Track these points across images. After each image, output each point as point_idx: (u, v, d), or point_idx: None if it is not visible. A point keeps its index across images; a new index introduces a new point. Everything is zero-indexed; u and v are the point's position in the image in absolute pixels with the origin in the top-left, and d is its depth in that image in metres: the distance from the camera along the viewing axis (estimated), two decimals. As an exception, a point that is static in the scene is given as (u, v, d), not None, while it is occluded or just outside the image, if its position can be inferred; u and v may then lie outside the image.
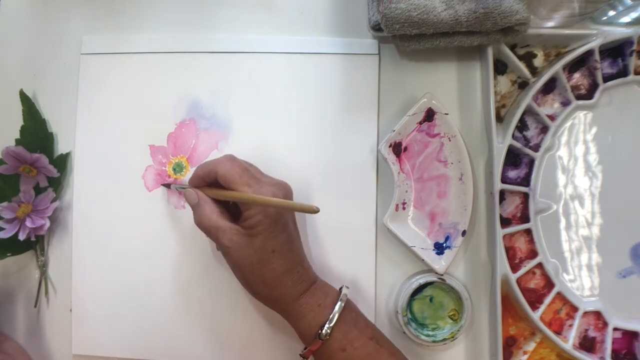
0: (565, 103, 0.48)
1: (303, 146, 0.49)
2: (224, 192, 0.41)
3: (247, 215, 0.40)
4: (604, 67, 0.48)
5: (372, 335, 0.41)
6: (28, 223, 0.47)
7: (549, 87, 0.48)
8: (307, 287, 0.42)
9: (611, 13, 0.47)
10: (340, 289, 0.44)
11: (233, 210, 0.44)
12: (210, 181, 0.42)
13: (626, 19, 0.47)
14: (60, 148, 0.51)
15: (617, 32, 0.46)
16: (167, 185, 0.50)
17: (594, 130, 0.48)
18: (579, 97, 0.47)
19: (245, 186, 0.40)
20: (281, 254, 0.40)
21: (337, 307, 0.41)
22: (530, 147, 0.47)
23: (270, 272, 0.40)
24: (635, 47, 0.46)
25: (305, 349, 0.42)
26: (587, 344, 0.47)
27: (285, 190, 0.42)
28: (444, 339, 0.45)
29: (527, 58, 0.49)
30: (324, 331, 0.40)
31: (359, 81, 0.49)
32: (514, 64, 0.47)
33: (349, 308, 0.42)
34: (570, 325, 0.46)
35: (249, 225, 0.40)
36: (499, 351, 0.45)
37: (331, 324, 0.40)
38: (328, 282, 0.44)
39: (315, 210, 0.37)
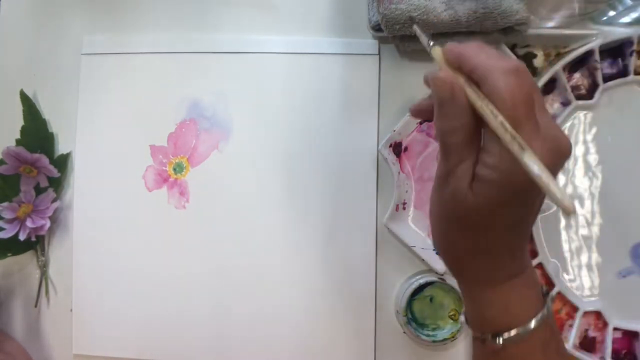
0: (565, 103, 0.48)
1: (303, 146, 0.49)
2: (492, 110, 0.26)
3: (486, 160, 0.27)
4: (604, 67, 0.47)
5: None
6: (28, 223, 0.47)
7: (549, 87, 0.48)
8: (509, 275, 0.30)
9: (611, 13, 0.47)
10: (547, 293, 0.32)
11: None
12: (463, 70, 0.28)
13: (626, 19, 0.47)
14: (61, 148, 0.51)
15: (617, 32, 0.46)
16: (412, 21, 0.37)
17: (594, 130, 0.48)
18: (579, 97, 0.47)
19: (515, 120, 0.25)
20: (495, 234, 0.29)
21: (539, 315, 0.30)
22: (530, 147, 0.47)
23: (473, 244, 0.30)
24: (635, 47, 0.46)
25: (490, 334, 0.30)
26: (587, 344, 0.47)
27: (561, 153, 0.27)
28: (444, 339, 0.45)
29: (527, 58, 0.49)
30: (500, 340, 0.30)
31: (359, 81, 0.49)
32: (514, 64, 0.47)
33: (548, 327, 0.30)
34: (571, 325, 0.46)
35: (479, 175, 0.27)
36: (499, 351, 0.45)
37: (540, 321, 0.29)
38: (327, 281, 0.43)
39: (571, 211, 0.23)
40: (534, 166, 0.24)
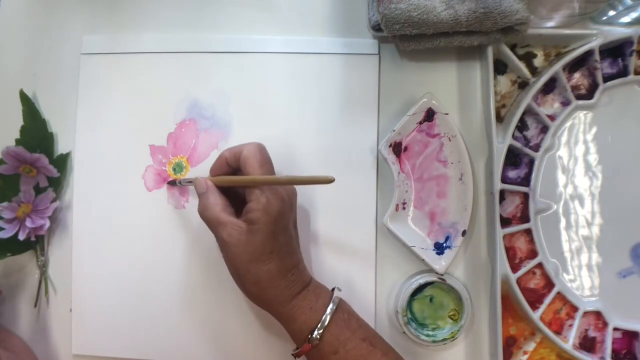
0: (565, 103, 0.48)
1: (303, 146, 0.49)
2: (233, 177, 0.41)
3: (249, 207, 0.39)
4: (604, 67, 0.47)
5: (364, 336, 0.41)
6: (28, 223, 0.47)
7: (549, 87, 0.48)
8: (300, 289, 0.41)
9: (611, 13, 0.47)
10: (333, 290, 0.43)
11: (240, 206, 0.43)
12: (232, 166, 0.42)
13: (626, 19, 0.47)
14: (60, 148, 0.51)
15: (617, 32, 0.46)
16: (173, 182, 0.49)
17: (594, 130, 0.48)
18: (579, 97, 0.47)
19: (263, 173, 0.40)
20: (279, 256, 0.40)
21: (328, 310, 0.40)
22: (530, 147, 0.47)
23: (265, 273, 0.39)
24: (635, 47, 0.46)
25: (296, 349, 0.41)
26: (587, 344, 0.47)
27: (292, 191, 0.42)
28: (444, 339, 0.45)
29: (527, 58, 0.49)
30: (314, 335, 0.39)
31: (359, 81, 0.49)
32: (514, 63, 0.47)
33: (342, 309, 0.41)
34: (571, 325, 0.46)
35: (249, 220, 0.39)
36: (499, 351, 0.45)
37: (321, 329, 0.39)
38: (327, 281, 0.44)
39: (330, 180, 0.37)
40: (279, 177, 0.41)
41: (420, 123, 0.47)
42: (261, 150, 0.41)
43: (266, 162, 0.40)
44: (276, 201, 0.39)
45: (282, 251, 0.40)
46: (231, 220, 0.40)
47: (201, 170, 0.50)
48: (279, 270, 0.40)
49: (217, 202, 0.40)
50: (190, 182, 0.45)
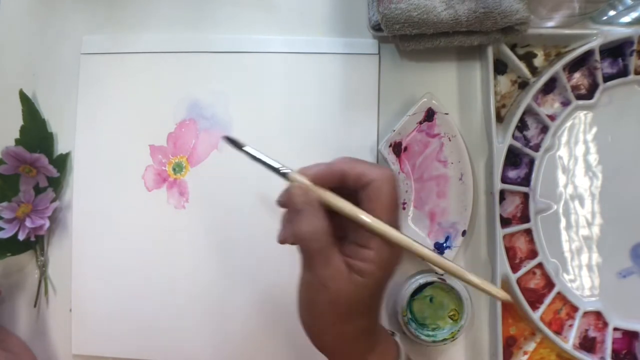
0: (565, 103, 0.48)
1: (303, 146, 0.49)
2: (360, 212, 0.31)
3: (364, 255, 0.31)
4: (604, 67, 0.47)
5: None
6: (28, 223, 0.47)
7: (549, 87, 0.48)
8: (375, 346, 0.35)
9: (611, 13, 0.47)
10: (393, 334, 0.38)
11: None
12: (344, 184, 0.33)
13: (626, 19, 0.47)
14: (60, 148, 0.51)
15: (617, 32, 0.46)
16: (237, 145, 0.36)
17: (594, 130, 0.48)
18: (579, 97, 0.47)
19: (389, 218, 0.31)
20: (372, 315, 0.34)
21: None
22: (530, 147, 0.47)
23: (353, 331, 0.33)
24: (635, 47, 0.46)
25: None
26: (587, 344, 0.47)
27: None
28: (444, 339, 0.45)
29: (527, 58, 0.49)
30: None
31: (359, 81, 0.49)
32: (514, 63, 0.47)
33: None
34: (571, 325, 0.46)
35: (360, 270, 0.31)
36: (499, 351, 0.45)
37: None
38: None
39: (506, 299, 0.32)
40: (441, 258, 0.33)
41: (420, 123, 0.47)
42: (395, 186, 0.32)
43: (398, 207, 0.32)
44: (395, 260, 0.32)
45: (375, 310, 0.34)
46: (339, 261, 0.31)
47: (201, 170, 0.50)
48: (367, 328, 0.34)
49: (324, 230, 0.31)
50: (272, 167, 0.35)
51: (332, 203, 0.32)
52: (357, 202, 0.32)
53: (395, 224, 0.32)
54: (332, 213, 0.32)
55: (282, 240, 0.35)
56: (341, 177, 0.33)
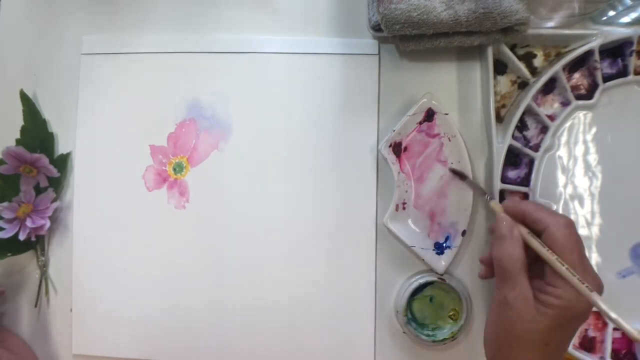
0: (565, 103, 0.48)
1: (303, 146, 0.49)
2: (550, 254, 0.35)
3: (551, 291, 0.35)
4: (604, 67, 0.47)
5: None
6: (28, 223, 0.47)
7: (549, 87, 0.48)
8: None
9: (611, 13, 0.47)
10: None
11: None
12: (526, 222, 0.38)
13: (626, 19, 0.47)
14: (61, 148, 0.51)
15: (617, 32, 0.46)
16: (461, 176, 0.46)
17: (593, 130, 0.48)
18: (578, 97, 0.47)
19: (570, 263, 0.34)
20: (552, 353, 0.35)
21: None
22: (530, 147, 0.47)
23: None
24: (635, 47, 0.46)
25: None
26: (587, 344, 0.47)
27: (601, 289, 0.36)
28: (444, 339, 0.45)
29: (527, 58, 0.49)
30: None
31: (359, 81, 0.50)
32: (513, 64, 0.47)
33: None
34: (570, 325, 0.46)
35: (544, 301, 0.35)
36: (499, 351, 0.45)
37: None
38: (327, 281, 0.44)
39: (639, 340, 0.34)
40: (604, 307, 0.34)
41: (420, 123, 0.47)
42: (572, 231, 0.36)
43: (578, 248, 0.35)
44: (581, 304, 0.34)
45: (557, 349, 0.36)
46: (526, 286, 0.35)
47: (201, 170, 0.50)
48: None
49: (520, 257, 0.36)
50: (481, 191, 0.44)
51: (529, 242, 0.37)
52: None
53: (576, 266, 0.34)
54: (526, 249, 0.37)
55: (482, 276, 0.42)
56: (522, 216, 0.38)
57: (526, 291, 0.35)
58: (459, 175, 0.46)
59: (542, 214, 0.37)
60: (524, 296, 0.35)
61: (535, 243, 0.36)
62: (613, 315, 0.34)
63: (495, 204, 0.40)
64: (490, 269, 0.40)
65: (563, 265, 0.34)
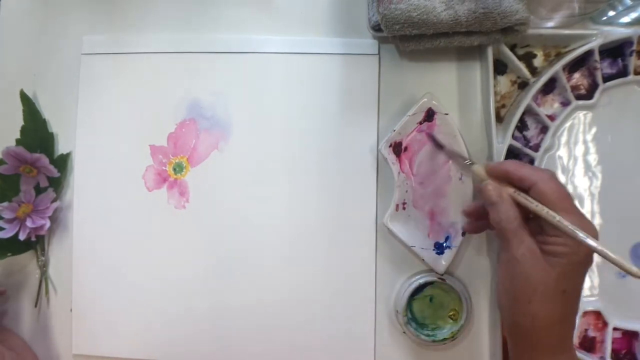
0: (565, 103, 0.48)
1: (303, 146, 0.49)
2: (539, 205, 0.36)
3: (553, 240, 0.36)
4: (604, 67, 0.48)
5: None
6: (28, 223, 0.47)
7: (549, 87, 0.48)
8: (568, 346, 0.37)
9: (611, 13, 0.47)
10: None
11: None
12: (512, 181, 0.38)
13: (626, 19, 0.47)
14: (61, 148, 0.51)
15: (617, 32, 0.46)
16: (439, 145, 0.46)
17: (593, 130, 0.48)
18: (578, 97, 0.47)
19: (563, 212, 0.35)
20: (569, 300, 0.36)
21: None
22: (530, 147, 0.47)
23: (548, 314, 0.35)
24: (635, 47, 0.46)
25: None
26: (587, 343, 0.47)
27: (595, 233, 0.36)
28: (444, 339, 0.45)
29: (527, 58, 0.49)
30: None
31: (359, 81, 0.50)
32: (513, 64, 0.48)
33: None
34: (570, 325, 0.46)
35: (550, 251, 0.35)
36: (499, 351, 0.45)
37: None
38: (327, 281, 0.44)
39: (638, 276, 0.34)
40: (602, 249, 0.34)
41: (420, 123, 0.47)
42: (557, 183, 0.37)
43: (567, 197, 0.36)
44: (584, 249, 0.35)
45: (573, 296, 0.36)
46: (530, 241, 0.36)
47: (201, 170, 0.50)
48: (562, 315, 0.36)
49: (516, 216, 0.37)
50: (462, 159, 0.43)
51: (518, 200, 0.37)
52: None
53: (569, 215, 0.35)
54: (520, 208, 0.37)
55: (466, 214, 0.43)
56: (505, 176, 0.38)
57: (532, 245, 0.36)
58: (436, 144, 0.46)
59: (526, 171, 0.37)
60: (531, 250, 0.36)
61: (524, 201, 0.37)
62: (613, 255, 0.34)
63: (477, 168, 0.40)
64: (475, 221, 0.43)
65: (555, 218, 0.35)
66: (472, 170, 0.41)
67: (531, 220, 0.38)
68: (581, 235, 0.34)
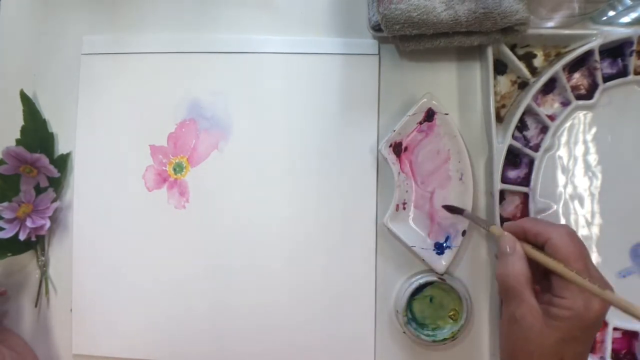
0: (565, 103, 0.48)
1: (303, 146, 0.49)
2: (554, 262, 0.35)
3: (560, 303, 0.35)
4: (604, 67, 0.48)
5: None
6: (28, 223, 0.47)
7: (549, 87, 0.48)
8: None
9: (611, 13, 0.47)
10: None
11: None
12: (528, 239, 0.38)
13: (626, 19, 0.47)
14: (61, 148, 0.51)
15: (617, 32, 0.46)
16: (456, 210, 0.45)
17: (593, 130, 0.48)
18: (578, 97, 0.47)
19: (576, 269, 0.34)
20: None
21: None
22: (530, 147, 0.47)
23: None
24: (635, 47, 0.46)
25: None
26: (587, 343, 0.47)
27: (611, 288, 0.35)
28: (444, 339, 0.45)
29: (527, 58, 0.49)
30: None
31: (359, 81, 0.50)
32: (513, 64, 0.47)
33: None
34: (570, 325, 0.46)
35: (553, 314, 0.34)
36: (499, 351, 0.45)
37: None
38: (327, 281, 0.44)
39: None
40: (622, 301, 0.33)
41: (420, 123, 0.47)
42: (574, 239, 0.36)
43: (583, 254, 0.35)
44: (591, 312, 0.34)
45: None
46: (532, 301, 0.35)
47: (201, 170, 0.50)
48: None
49: (523, 273, 0.36)
50: (482, 222, 0.43)
51: (532, 255, 0.37)
52: None
53: (583, 272, 0.34)
54: (533, 266, 0.37)
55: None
56: (523, 233, 0.38)
57: (533, 306, 0.35)
58: (455, 210, 0.46)
59: (542, 227, 0.37)
60: (531, 311, 0.35)
61: (539, 254, 0.36)
62: (636, 305, 0.33)
63: (495, 229, 0.40)
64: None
65: (571, 271, 0.34)
66: (490, 231, 0.40)
67: (542, 280, 0.37)
68: (597, 288, 0.33)
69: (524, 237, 0.38)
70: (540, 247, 0.37)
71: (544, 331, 0.34)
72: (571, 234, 0.36)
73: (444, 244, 0.47)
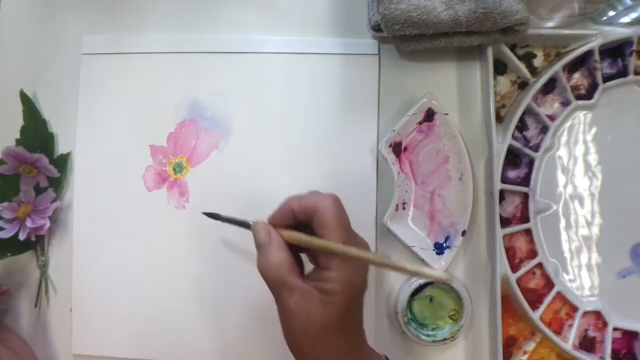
0: (565, 103, 0.48)
1: (303, 146, 0.49)
2: (313, 238, 0.34)
3: (327, 276, 0.33)
4: (604, 67, 0.48)
5: None
6: (28, 223, 0.47)
7: (549, 87, 0.48)
8: None
9: (611, 13, 0.47)
10: (386, 358, 0.39)
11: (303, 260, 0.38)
12: (299, 219, 0.36)
13: (626, 19, 0.47)
14: (61, 148, 0.51)
15: (617, 32, 0.46)
16: (214, 216, 0.43)
17: (593, 130, 0.48)
18: (578, 97, 0.47)
19: (340, 236, 0.34)
20: (349, 333, 0.35)
21: None
22: (530, 147, 0.47)
23: (333, 351, 0.34)
24: (635, 47, 0.46)
25: None
26: (587, 343, 0.47)
27: (368, 247, 0.36)
28: (444, 339, 0.45)
29: (527, 58, 0.49)
30: None
31: (359, 81, 0.50)
32: (513, 64, 0.48)
33: None
34: (570, 325, 0.46)
35: (324, 290, 0.33)
36: (499, 351, 0.45)
37: None
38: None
39: (448, 279, 0.34)
40: (378, 256, 0.34)
41: (420, 123, 0.47)
42: (339, 207, 0.35)
43: (347, 225, 0.35)
44: (359, 276, 0.34)
45: (353, 328, 0.35)
46: (301, 286, 0.34)
47: (201, 170, 0.50)
48: (347, 348, 0.35)
49: (284, 261, 0.34)
50: (241, 223, 0.39)
51: (292, 238, 0.35)
52: (314, 233, 0.35)
53: (349, 241, 0.34)
54: (295, 249, 0.36)
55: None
56: (292, 213, 0.36)
57: (305, 290, 0.33)
58: (212, 216, 0.43)
59: (308, 200, 0.35)
60: (304, 297, 0.33)
61: (297, 235, 0.35)
62: (410, 267, 0.33)
63: (257, 224, 0.37)
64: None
65: (336, 242, 0.33)
66: (252, 228, 0.37)
67: (317, 257, 0.36)
68: (375, 256, 0.34)
69: (294, 217, 0.36)
70: (310, 221, 0.35)
71: (323, 312, 0.33)
72: (337, 202, 0.35)
73: (444, 244, 0.47)
